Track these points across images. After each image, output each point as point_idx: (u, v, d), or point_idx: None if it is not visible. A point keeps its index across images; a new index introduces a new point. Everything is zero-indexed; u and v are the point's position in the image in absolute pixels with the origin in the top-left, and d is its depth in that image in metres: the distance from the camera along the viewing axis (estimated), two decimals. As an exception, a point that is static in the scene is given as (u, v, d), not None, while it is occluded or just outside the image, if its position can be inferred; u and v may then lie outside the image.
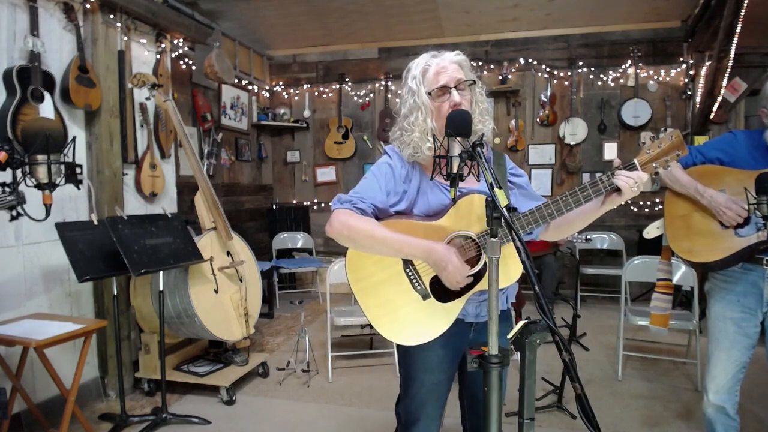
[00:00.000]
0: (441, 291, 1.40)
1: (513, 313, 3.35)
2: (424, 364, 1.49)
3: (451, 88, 1.38)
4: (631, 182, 1.27)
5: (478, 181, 1.46)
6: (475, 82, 1.42)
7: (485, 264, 1.37)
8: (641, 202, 5.31)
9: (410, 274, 1.42)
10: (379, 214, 1.43)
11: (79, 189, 2.39)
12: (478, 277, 1.37)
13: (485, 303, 1.46)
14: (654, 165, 1.31)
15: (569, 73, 5.37)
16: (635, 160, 1.32)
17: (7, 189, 1.69)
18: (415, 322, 1.42)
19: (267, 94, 6.23)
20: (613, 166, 1.32)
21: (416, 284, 1.42)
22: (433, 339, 1.41)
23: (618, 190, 1.29)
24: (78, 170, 1.86)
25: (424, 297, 1.41)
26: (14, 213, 1.75)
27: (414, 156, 1.43)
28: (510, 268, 1.39)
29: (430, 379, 1.49)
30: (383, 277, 1.44)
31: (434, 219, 1.41)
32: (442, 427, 1.60)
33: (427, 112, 1.39)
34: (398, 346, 1.56)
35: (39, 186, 1.59)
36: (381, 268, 1.44)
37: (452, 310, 1.41)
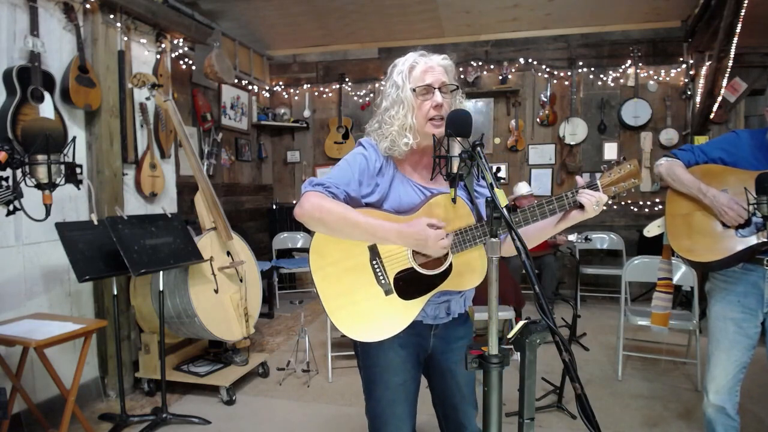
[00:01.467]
0: (404, 288, 1.38)
1: (513, 312, 3.35)
2: (387, 364, 1.46)
3: (435, 88, 1.38)
4: (593, 200, 1.30)
5: (478, 180, 1.47)
6: (457, 88, 1.43)
7: (450, 264, 1.38)
8: (641, 202, 5.31)
9: (376, 266, 1.40)
10: (350, 203, 1.40)
11: (79, 189, 2.38)
12: (441, 277, 1.37)
13: (444, 305, 1.46)
14: (613, 189, 1.36)
15: (569, 73, 5.37)
16: (597, 181, 1.36)
17: (3, 183, 1.69)
18: (374, 317, 1.39)
19: (267, 94, 6.23)
20: (577, 185, 1.35)
21: (381, 278, 1.40)
22: (391, 338, 1.39)
23: (581, 206, 1.33)
24: (78, 170, 1.86)
25: (387, 292, 1.39)
26: (11, 208, 1.73)
27: (390, 150, 1.43)
28: (470, 274, 1.40)
29: (395, 380, 1.47)
30: (348, 266, 1.41)
31: (404, 215, 1.40)
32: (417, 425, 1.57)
33: (409, 107, 1.39)
34: (357, 347, 1.53)
35: (39, 186, 1.59)
36: (347, 257, 1.41)
37: (412, 310, 1.39)
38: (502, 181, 4.93)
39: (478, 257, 1.39)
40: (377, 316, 1.39)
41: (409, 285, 1.38)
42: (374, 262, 1.40)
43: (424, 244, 1.31)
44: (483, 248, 1.37)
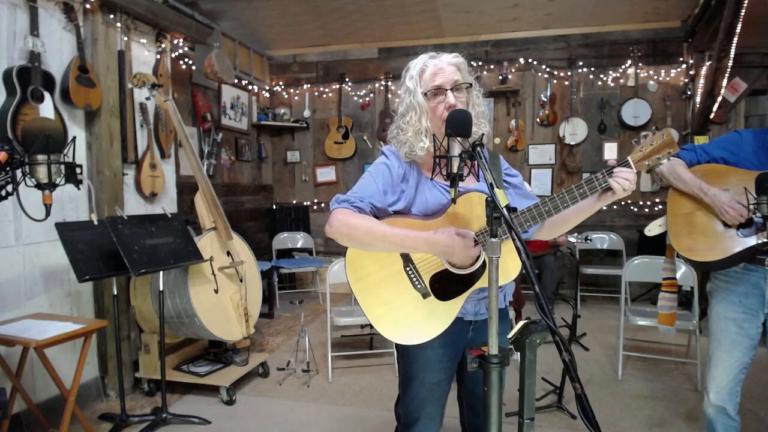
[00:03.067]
0: (441, 289, 1.40)
1: (513, 312, 3.35)
2: (425, 363, 1.49)
3: (447, 89, 1.38)
4: (626, 184, 1.29)
5: (478, 180, 1.47)
6: (471, 85, 1.43)
7: (484, 261, 1.37)
8: (641, 202, 5.31)
9: (410, 272, 1.42)
10: (378, 214, 1.42)
11: (79, 189, 2.38)
12: (477, 274, 1.37)
13: (484, 301, 1.47)
14: (646, 163, 1.33)
15: (569, 73, 5.37)
16: (629, 158, 1.33)
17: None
18: (416, 321, 1.42)
19: (267, 94, 6.23)
20: (608, 165, 1.33)
21: (416, 283, 1.42)
22: (433, 338, 1.41)
23: (610, 188, 1.32)
24: (78, 170, 1.86)
25: (425, 295, 1.41)
26: (3, 193, 1.71)
27: (410, 155, 1.44)
28: (508, 266, 1.40)
29: (431, 379, 1.49)
30: (383, 276, 1.44)
31: (432, 218, 1.42)
32: (442, 426, 1.60)
33: (422, 112, 1.40)
34: (397, 345, 1.55)
35: (39, 186, 1.59)
36: (381, 267, 1.44)
37: (452, 309, 1.41)
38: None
39: (512, 250, 1.38)
40: (419, 320, 1.41)
41: (445, 286, 1.40)
42: (408, 269, 1.42)
43: (451, 253, 1.32)
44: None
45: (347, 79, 5.95)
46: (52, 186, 1.61)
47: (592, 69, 5.35)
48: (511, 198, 1.53)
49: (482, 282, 1.38)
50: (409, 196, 1.45)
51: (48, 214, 1.90)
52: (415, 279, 1.42)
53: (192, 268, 2.88)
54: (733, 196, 1.78)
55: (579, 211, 1.43)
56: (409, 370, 1.53)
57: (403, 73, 1.48)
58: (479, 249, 1.35)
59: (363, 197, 1.40)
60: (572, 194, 1.33)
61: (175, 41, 3.66)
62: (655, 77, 5.21)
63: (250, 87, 5.78)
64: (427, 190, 1.45)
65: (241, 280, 3.21)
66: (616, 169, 1.31)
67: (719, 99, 4.28)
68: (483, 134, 1.41)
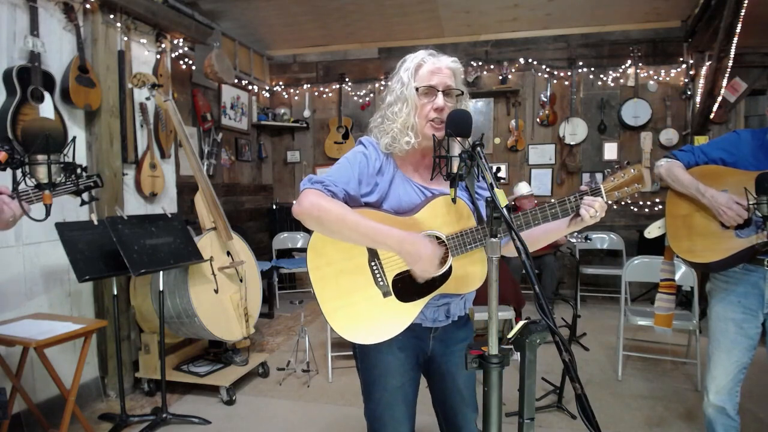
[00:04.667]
0: (403, 290, 1.36)
1: (513, 312, 3.34)
2: (385, 368, 1.45)
3: (438, 91, 1.37)
4: (592, 212, 1.30)
5: (478, 180, 1.46)
6: (462, 94, 1.41)
7: (450, 267, 1.36)
8: (641, 203, 5.31)
9: (375, 267, 1.38)
10: (350, 202, 1.37)
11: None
12: (441, 280, 1.35)
13: (443, 308, 1.44)
14: (616, 194, 1.35)
15: (569, 73, 5.37)
16: (601, 186, 1.35)
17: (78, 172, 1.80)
18: (372, 319, 1.37)
19: (267, 94, 6.24)
20: (581, 189, 1.35)
21: (379, 279, 1.37)
22: (389, 340, 1.37)
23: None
24: (78, 170, 1.86)
25: (385, 294, 1.37)
26: (86, 198, 1.86)
27: (391, 146, 1.41)
28: (468, 278, 1.38)
29: (393, 383, 1.45)
30: (345, 267, 1.39)
31: (404, 216, 1.38)
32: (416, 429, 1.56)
33: (411, 106, 1.38)
34: (356, 350, 1.52)
35: (39, 186, 1.59)
36: (345, 258, 1.39)
37: (410, 312, 1.37)
38: (502, 181, 4.94)
39: (478, 260, 1.38)
40: (375, 319, 1.37)
41: (407, 287, 1.36)
42: (373, 264, 1.38)
43: (416, 260, 1.29)
44: (484, 251, 1.35)
45: (347, 79, 5.95)
46: (52, 186, 1.61)
47: (592, 69, 5.35)
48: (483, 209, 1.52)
49: (444, 288, 1.36)
50: (382, 190, 1.41)
51: (48, 214, 1.89)
52: (378, 275, 1.37)
53: (192, 268, 2.88)
54: (731, 197, 1.78)
55: (548, 231, 1.43)
56: (369, 375, 1.49)
57: (398, 64, 1.45)
58: (441, 256, 1.32)
59: (337, 182, 1.35)
60: (544, 213, 1.33)
61: (175, 41, 3.66)
62: (655, 77, 5.21)
63: (250, 87, 5.79)
64: (401, 188, 1.41)
65: (241, 280, 3.21)
66: (587, 197, 1.32)
67: (719, 99, 4.28)
68: (483, 134, 1.41)
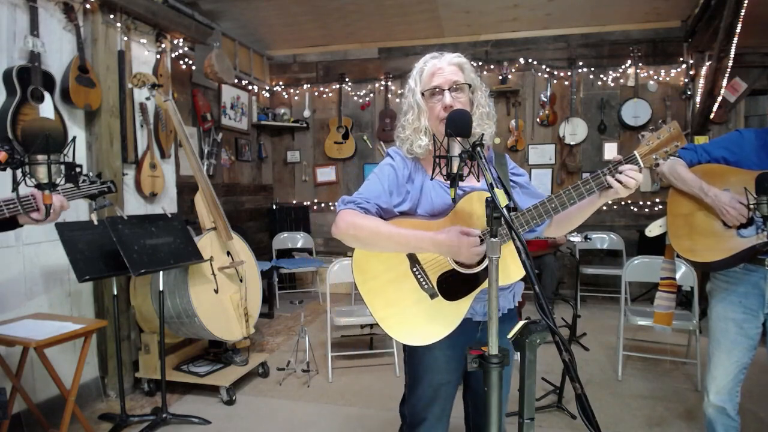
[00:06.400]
0: (449, 289, 1.40)
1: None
2: (432, 364, 1.48)
3: (444, 89, 1.38)
4: (631, 182, 1.28)
5: (478, 180, 1.46)
6: (471, 86, 1.42)
7: None
8: (641, 202, 5.31)
9: (417, 273, 1.42)
10: (384, 215, 1.43)
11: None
12: (484, 273, 1.37)
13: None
14: (654, 156, 1.32)
15: (569, 73, 5.37)
16: (636, 152, 1.33)
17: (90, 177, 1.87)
18: (424, 321, 1.41)
19: (267, 94, 6.23)
20: (614, 161, 1.33)
21: (423, 283, 1.41)
22: (441, 339, 1.40)
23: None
24: (78, 169, 1.86)
25: (432, 296, 1.40)
26: (99, 204, 1.97)
27: (411, 151, 1.46)
28: (510, 268, 1.39)
29: (438, 380, 1.49)
30: (390, 277, 1.43)
31: (438, 218, 1.42)
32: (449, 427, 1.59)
33: (420, 111, 1.42)
34: (404, 346, 1.54)
35: (39, 186, 1.59)
36: (388, 268, 1.44)
37: (460, 309, 1.40)
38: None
39: (513, 251, 1.35)
40: (426, 320, 1.41)
41: (453, 286, 1.39)
42: (415, 269, 1.42)
43: (457, 252, 1.31)
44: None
45: (347, 79, 5.95)
46: (52, 186, 1.61)
47: (592, 69, 5.35)
48: (518, 197, 1.53)
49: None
50: (414, 196, 1.45)
51: (48, 214, 1.90)
52: (422, 279, 1.41)
53: (192, 268, 2.88)
54: (733, 197, 1.77)
55: (583, 208, 1.43)
56: (416, 371, 1.52)
57: (411, 72, 1.51)
58: (484, 247, 1.34)
59: (369, 198, 1.41)
60: (579, 190, 1.33)
61: (175, 41, 3.66)
62: (655, 77, 5.21)
63: (250, 87, 5.78)
64: (433, 191, 1.45)
65: (241, 280, 3.21)
66: (622, 167, 1.30)
67: (719, 99, 4.29)
68: (483, 134, 1.40)
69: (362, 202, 1.40)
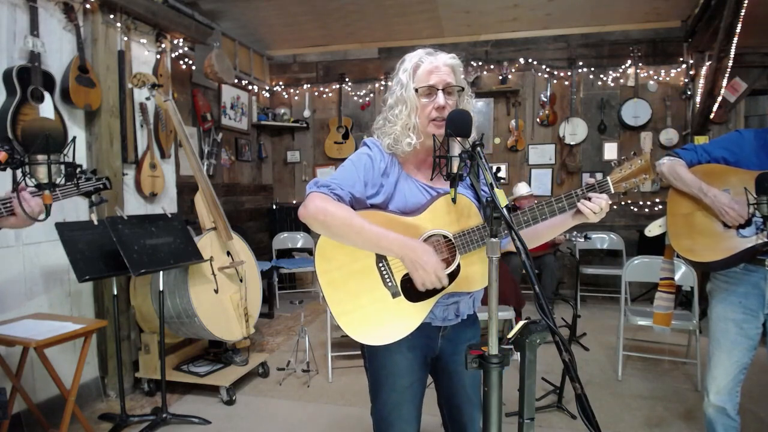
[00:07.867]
0: (412, 290, 1.35)
1: (513, 312, 3.34)
2: (394, 368, 1.45)
3: (438, 89, 1.36)
4: (596, 208, 1.30)
5: (478, 180, 1.46)
6: (463, 89, 1.40)
7: (459, 265, 1.35)
8: (641, 202, 5.31)
9: (382, 268, 1.37)
10: (355, 204, 1.38)
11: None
12: (449, 279, 1.34)
13: (453, 307, 1.44)
14: (624, 185, 1.35)
15: (569, 73, 5.37)
16: (608, 178, 1.35)
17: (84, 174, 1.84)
18: (382, 320, 1.37)
19: (267, 94, 6.24)
20: (588, 183, 1.34)
21: (387, 280, 1.37)
22: (399, 341, 1.36)
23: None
24: (78, 169, 1.86)
25: (394, 295, 1.36)
26: (95, 200, 1.96)
27: (393, 147, 1.41)
28: (475, 276, 1.37)
29: (401, 383, 1.45)
30: (354, 269, 1.39)
31: (410, 216, 1.38)
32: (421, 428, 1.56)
33: (412, 107, 1.37)
34: (364, 350, 1.52)
35: (39, 186, 1.59)
36: (353, 260, 1.38)
37: (420, 312, 1.37)
38: (502, 181, 4.93)
39: (481, 259, 1.36)
40: (385, 320, 1.37)
41: (416, 287, 1.35)
42: (381, 265, 1.38)
43: (415, 268, 1.27)
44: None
45: (347, 79, 5.95)
46: (52, 186, 1.61)
47: (592, 69, 5.35)
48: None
49: (453, 287, 1.35)
50: (388, 191, 1.40)
51: (48, 214, 1.90)
52: (386, 276, 1.37)
53: (192, 268, 2.88)
54: (733, 197, 1.77)
55: (552, 226, 1.43)
56: (378, 375, 1.48)
57: (397, 65, 1.45)
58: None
59: (343, 185, 1.35)
60: (551, 207, 1.33)
61: (175, 41, 3.66)
62: (655, 77, 5.21)
63: (250, 87, 5.78)
64: (407, 188, 1.41)
65: (241, 280, 3.21)
66: (591, 194, 1.32)
67: (719, 99, 4.28)
68: (483, 134, 1.40)
69: (336, 188, 1.33)
